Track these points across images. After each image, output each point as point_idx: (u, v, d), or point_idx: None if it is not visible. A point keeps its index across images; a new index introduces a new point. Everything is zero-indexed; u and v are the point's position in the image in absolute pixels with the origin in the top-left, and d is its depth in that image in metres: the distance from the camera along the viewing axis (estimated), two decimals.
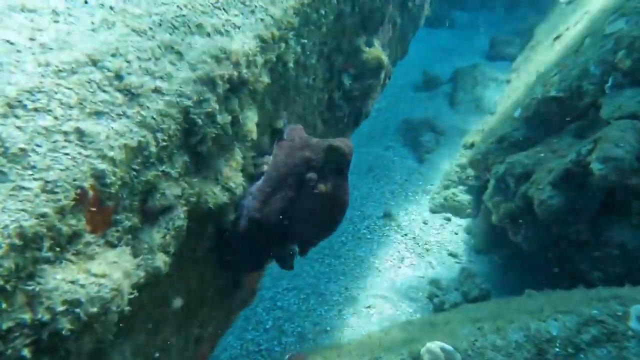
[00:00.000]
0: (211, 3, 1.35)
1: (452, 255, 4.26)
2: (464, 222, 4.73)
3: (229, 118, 1.30)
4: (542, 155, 3.11)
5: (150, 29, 1.16)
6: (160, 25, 1.19)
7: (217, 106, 1.21)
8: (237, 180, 1.35)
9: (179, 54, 1.19)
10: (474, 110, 6.49)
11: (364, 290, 3.85)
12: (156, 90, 1.08)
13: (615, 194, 2.68)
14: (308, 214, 1.58)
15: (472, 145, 5.07)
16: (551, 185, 2.79)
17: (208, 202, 1.23)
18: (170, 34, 1.20)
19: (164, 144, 1.07)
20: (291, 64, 1.72)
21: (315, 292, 3.75)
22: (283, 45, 1.63)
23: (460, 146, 5.71)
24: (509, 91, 5.05)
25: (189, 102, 1.13)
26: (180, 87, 1.13)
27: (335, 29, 2.22)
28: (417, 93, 7.16)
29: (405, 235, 4.52)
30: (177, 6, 1.25)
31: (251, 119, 1.45)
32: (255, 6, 1.50)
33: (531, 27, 8.36)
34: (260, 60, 1.47)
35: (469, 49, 9.20)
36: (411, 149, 5.98)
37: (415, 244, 4.42)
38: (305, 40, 1.84)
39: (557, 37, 4.89)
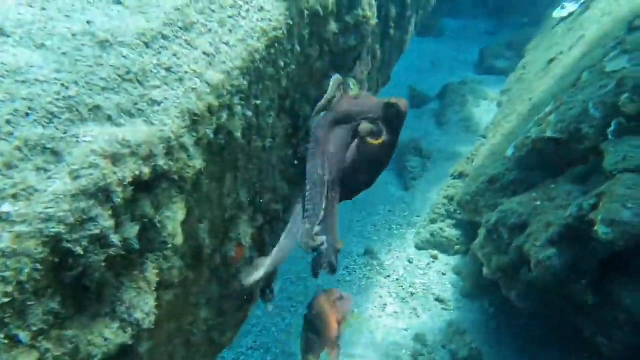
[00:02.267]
0: (119, 75, 1.04)
1: (439, 300, 4.01)
2: (452, 260, 4.49)
3: (135, 229, 1.00)
4: (538, 203, 2.88)
5: (9, 122, 0.85)
6: (28, 115, 0.88)
7: (110, 223, 0.90)
8: (146, 306, 1.04)
9: (56, 154, 0.88)
10: (463, 131, 6.30)
11: None
12: (2, 219, 0.77)
13: (623, 251, 2.46)
14: (356, 164, 1.82)
15: (460, 174, 4.85)
16: (550, 243, 2.56)
17: (93, 355, 0.92)
18: (45, 126, 0.89)
19: (6, 299, 0.76)
20: (238, 133, 1.42)
21: (285, 351, 3.44)
22: (226, 114, 1.34)
23: (448, 173, 5.50)
24: (499, 117, 4.85)
25: (59, 228, 0.82)
26: (47, 208, 0.82)
27: (301, 77, 1.94)
28: None
29: (389, 276, 4.25)
30: (62, 84, 0.94)
31: (174, 219, 1.14)
32: (185, 72, 1.20)
33: (523, 40, 8.29)
34: (189, 140, 1.17)
35: (458, 60, 9.08)
36: (396, 174, 5.74)
37: (399, 287, 4.15)
38: (259, 101, 1.55)
39: (551, 61, 4.72)
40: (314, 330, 2.64)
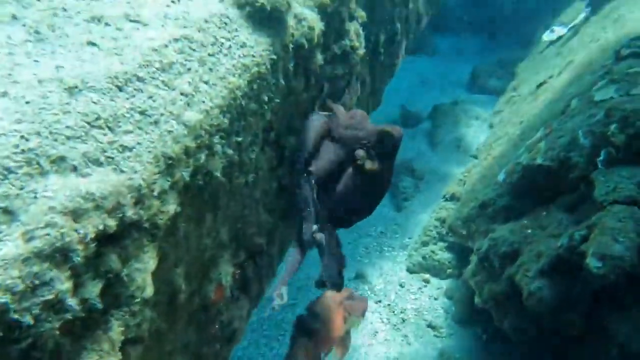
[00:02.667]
0: (87, 122, 1.00)
1: (431, 327, 3.93)
2: (444, 284, 4.43)
3: (98, 287, 0.94)
4: (529, 231, 2.85)
5: None
6: None
7: (67, 285, 0.84)
8: None
9: (9, 213, 0.82)
10: (455, 151, 6.31)
11: None
12: None
13: (614, 284, 2.42)
14: (352, 191, 1.86)
15: (452, 196, 4.83)
16: (540, 274, 2.52)
17: None
18: None
19: None
20: (218, 173, 1.38)
21: None
22: (204, 154, 1.30)
23: (440, 194, 5.48)
24: (491, 139, 4.87)
25: (6, 298, 0.76)
26: None
27: (285, 109, 1.91)
28: None
29: (380, 301, 4.17)
30: (22, 136, 0.89)
31: (144, 270, 1.08)
32: (161, 114, 1.16)
33: (513, 60, 8.39)
34: (163, 185, 1.12)
35: (450, 79, 9.15)
36: (389, 194, 5.71)
37: (391, 312, 4.08)
38: (241, 138, 1.51)
39: (541, 85, 4.77)
40: (308, 331, 2.54)
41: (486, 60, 9.29)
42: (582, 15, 5.65)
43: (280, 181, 2.01)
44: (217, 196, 1.47)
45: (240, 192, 1.64)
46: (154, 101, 1.16)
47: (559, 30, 6.10)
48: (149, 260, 1.09)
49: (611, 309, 2.54)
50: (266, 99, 1.64)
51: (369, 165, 1.86)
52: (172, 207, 1.14)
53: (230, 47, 1.47)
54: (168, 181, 1.13)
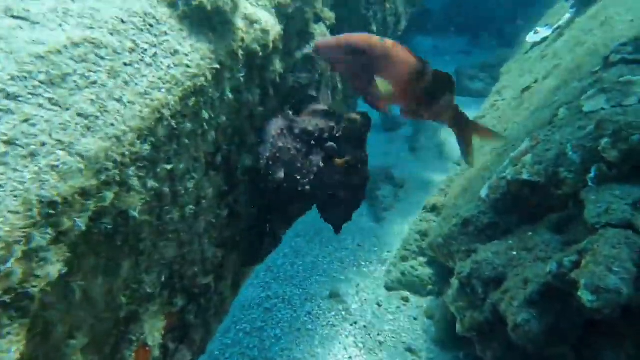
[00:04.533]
0: None
1: (410, 350, 3.74)
2: (424, 302, 4.25)
3: None
4: (515, 253, 2.68)
5: None
6: None
7: None
8: None
9: None
10: (437, 156, 6.17)
11: None
12: None
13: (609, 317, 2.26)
14: (332, 187, 1.86)
15: (433, 207, 4.66)
16: (528, 304, 2.34)
17: None
18: None
19: None
20: (136, 212, 1.12)
21: None
22: (113, 192, 1.04)
23: (421, 202, 5.31)
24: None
25: None
26: None
27: (236, 127, 1.66)
28: (375, 134, 6.75)
29: (355, 323, 3.96)
30: None
31: (6, 358, 0.83)
32: (43, 144, 0.90)
33: (496, 61, 8.33)
34: (40, 240, 0.87)
35: None
36: (367, 204, 5.51)
37: (367, 335, 3.87)
38: (172, 165, 1.26)
39: (525, 90, 4.64)
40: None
41: (469, 61, 9.23)
42: (566, 16, 5.58)
43: (233, 207, 1.77)
44: (137, 239, 1.21)
45: (174, 229, 1.38)
46: (31, 126, 0.90)
47: (543, 32, 6.02)
48: (14, 345, 0.83)
49: (603, 339, 2.39)
50: (207, 117, 1.39)
51: (338, 161, 1.83)
52: (54, 268, 0.88)
53: (155, 54, 1.21)
54: (48, 234, 0.87)
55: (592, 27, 4.27)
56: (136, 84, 1.13)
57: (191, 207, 1.40)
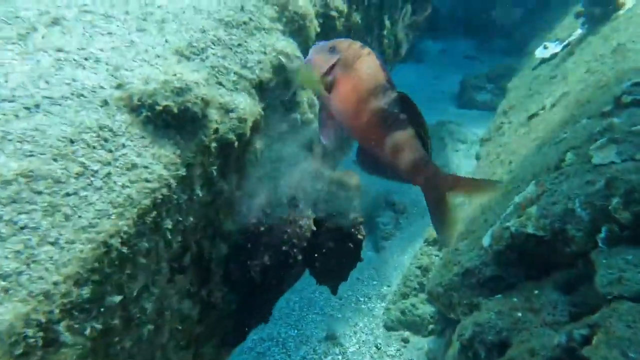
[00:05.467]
0: None
1: None
2: (425, 343, 4.14)
3: None
4: (520, 315, 2.57)
5: None
6: None
7: None
8: None
9: None
10: None
11: None
12: None
13: None
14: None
15: (434, 241, 4.55)
16: None
17: None
18: None
19: None
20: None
21: None
22: (64, 326, 0.94)
23: (422, 230, 5.20)
24: (477, 174, 4.60)
25: None
26: None
27: (209, 218, 1.56)
28: None
29: None
30: None
31: None
32: None
33: (503, 72, 8.20)
34: None
35: (438, 90, 8.94)
36: (366, 231, 5.40)
37: None
38: (121, 297, 1.16)
39: (532, 116, 4.52)
40: None
41: (477, 68, 9.09)
42: (577, 33, 5.44)
43: (206, 302, 1.67)
44: None
45: (127, 356, 1.28)
46: None
47: (552, 48, 5.89)
48: None
49: None
50: (172, 224, 1.29)
51: None
52: None
53: (108, 175, 1.11)
54: None
55: (603, 53, 4.13)
56: (79, 217, 1.03)
57: (149, 326, 1.29)
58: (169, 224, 1.27)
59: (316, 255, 1.91)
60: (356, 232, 2.25)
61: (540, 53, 6.03)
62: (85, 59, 1.26)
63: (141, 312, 1.25)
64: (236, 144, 1.48)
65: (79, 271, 0.99)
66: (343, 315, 4.38)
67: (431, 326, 4.23)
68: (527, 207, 2.84)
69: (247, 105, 1.51)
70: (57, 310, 0.93)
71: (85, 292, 1.01)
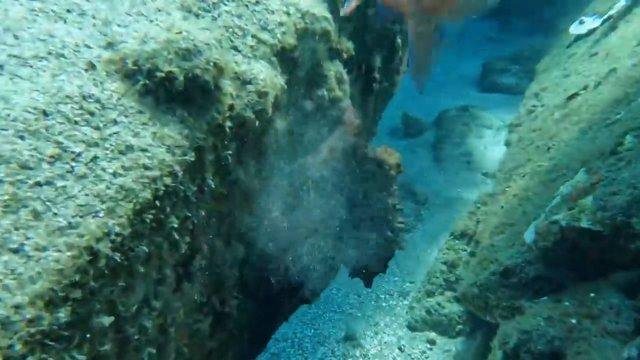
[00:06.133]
0: None
1: None
2: (452, 345, 3.91)
3: None
4: (574, 322, 2.30)
5: None
6: None
7: None
8: None
9: None
10: (464, 168, 5.75)
11: None
12: None
13: None
14: None
15: (462, 234, 4.28)
16: None
17: None
18: None
19: None
20: None
21: None
22: None
23: (446, 223, 4.94)
24: (510, 164, 4.30)
25: None
26: None
27: (224, 212, 1.31)
28: (396, 141, 6.35)
29: None
30: None
31: None
32: None
33: (530, 53, 7.82)
34: None
35: (458, 74, 8.58)
36: None
37: None
38: (111, 318, 0.92)
39: (572, 97, 4.19)
40: None
41: (499, 50, 8.71)
42: (620, 4, 5.04)
43: (219, 311, 1.43)
44: None
45: None
46: None
47: (589, 22, 5.49)
48: None
49: None
50: (178, 222, 1.05)
51: None
52: None
53: (94, 160, 0.87)
54: None
55: None
56: (55, 215, 0.78)
57: (151, 349, 1.06)
58: (174, 221, 1.02)
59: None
60: (393, 219, 2.08)
61: (575, 29, 5.65)
62: (68, 11, 1.01)
63: (140, 332, 1.01)
64: (256, 123, 1.23)
65: (54, 288, 0.75)
66: (363, 313, 4.16)
67: (459, 326, 3.99)
68: (579, 198, 2.56)
69: (267, 76, 1.25)
70: (19, 344, 0.70)
71: (63, 315, 0.77)
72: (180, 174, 1.01)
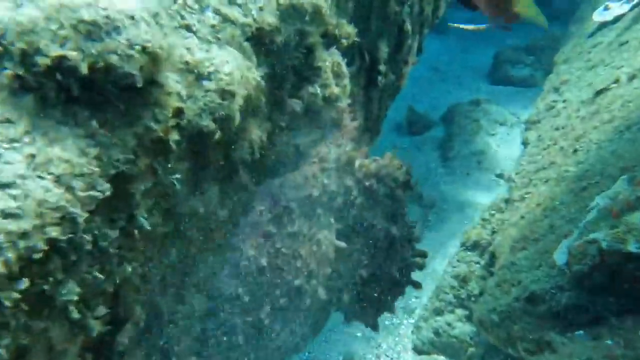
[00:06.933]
0: None
1: None
2: None
3: None
4: None
5: None
6: None
7: None
8: None
9: None
10: (474, 168, 5.41)
11: None
12: None
13: None
14: None
15: (474, 245, 3.95)
16: None
17: None
18: None
19: None
20: None
21: None
22: None
23: (456, 230, 4.62)
24: (529, 166, 3.96)
25: None
26: None
27: (165, 274, 0.96)
28: (400, 138, 6.00)
29: None
30: None
31: None
32: None
33: (545, 43, 7.46)
34: None
35: (467, 66, 8.21)
36: None
37: None
38: None
39: (601, 92, 3.85)
40: None
41: (511, 40, 8.33)
42: None
43: None
44: None
45: None
46: None
47: (616, 8, 5.13)
48: None
49: None
50: (75, 292, 0.70)
51: None
52: None
53: None
54: None
55: None
56: None
57: None
58: (72, 290, 0.68)
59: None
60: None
61: (599, 16, 5.28)
62: None
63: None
64: (216, 134, 0.88)
65: None
66: (363, 333, 3.83)
67: (471, 349, 3.66)
68: (622, 214, 2.23)
69: (235, 68, 0.90)
70: None
71: None
72: (81, 218, 0.66)
